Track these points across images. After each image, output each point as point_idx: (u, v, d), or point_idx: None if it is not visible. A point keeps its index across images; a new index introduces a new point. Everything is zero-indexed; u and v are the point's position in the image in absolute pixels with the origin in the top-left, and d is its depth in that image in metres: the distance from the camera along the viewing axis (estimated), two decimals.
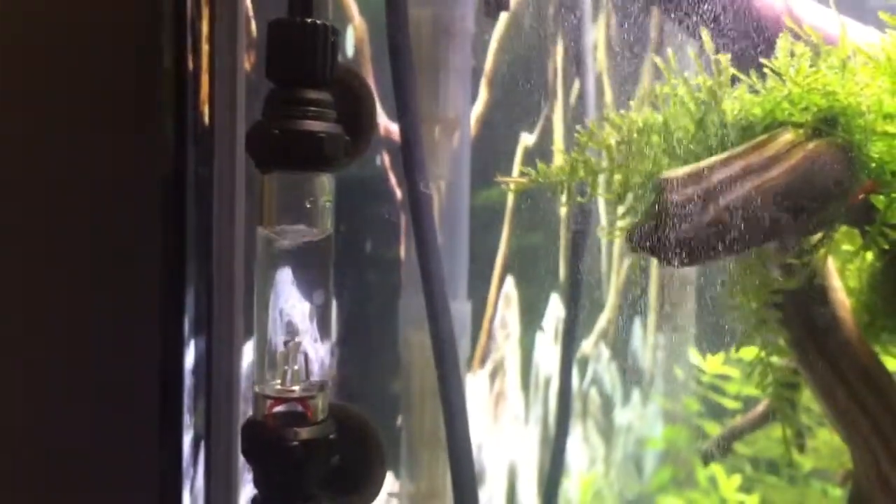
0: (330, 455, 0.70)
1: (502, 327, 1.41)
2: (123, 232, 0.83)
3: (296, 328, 0.71)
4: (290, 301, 0.71)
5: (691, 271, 1.54)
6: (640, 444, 1.95)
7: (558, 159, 0.94)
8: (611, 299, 1.86)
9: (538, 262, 1.42)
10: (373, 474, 0.74)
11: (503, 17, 1.24)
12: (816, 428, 1.46)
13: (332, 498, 0.73)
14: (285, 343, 0.69)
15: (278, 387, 0.70)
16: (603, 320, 1.88)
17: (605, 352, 1.88)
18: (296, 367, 0.70)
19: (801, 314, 1.02)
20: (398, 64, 0.81)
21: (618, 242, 1.96)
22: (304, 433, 0.69)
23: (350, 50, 1.02)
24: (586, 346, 1.82)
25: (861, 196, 0.81)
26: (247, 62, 0.82)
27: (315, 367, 0.72)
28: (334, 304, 1.05)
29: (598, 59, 1.32)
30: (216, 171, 0.81)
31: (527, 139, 1.37)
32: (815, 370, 1.03)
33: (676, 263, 0.82)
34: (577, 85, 1.24)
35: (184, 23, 0.79)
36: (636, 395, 1.98)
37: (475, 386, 1.37)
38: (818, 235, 0.92)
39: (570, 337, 1.37)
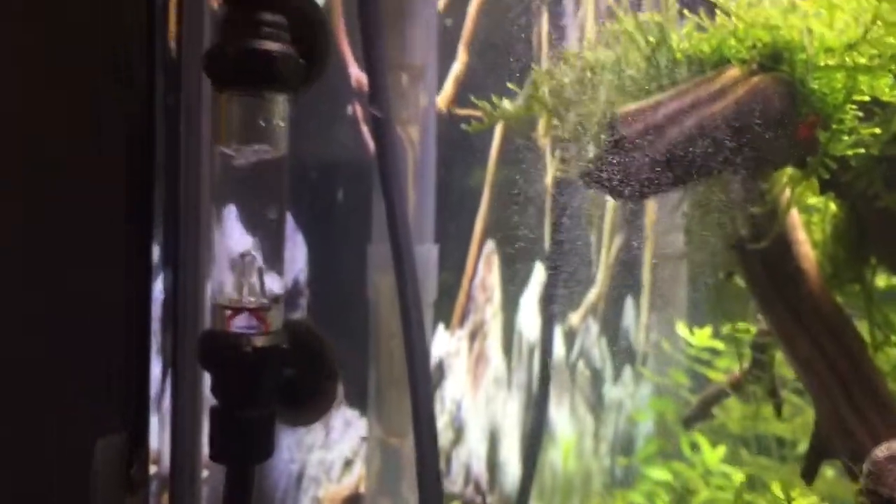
0: (282, 364, 0.73)
1: (483, 289, 1.44)
2: (92, 164, 0.86)
3: (246, 260, 0.74)
4: (241, 233, 0.74)
5: (682, 247, 1.56)
6: (628, 416, 1.97)
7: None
8: (600, 274, 1.89)
9: (522, 229, 1.45)
10: (324, 387, 0.77)
11: None
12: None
13: (286, 409, 0.77)
14: (241, 256, 0.73)
15: (234, 297, 0.73)
16: (592, 294, 1.90)
17: (594, 326, 1.90)
18: (252, 280, 0.74)
19: (766, 266, 1.04)
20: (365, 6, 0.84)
21: (609, 218, 1.99)
22: (258, 341, 0.72)
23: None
24: (574, 318, 1.84)
25: (807, 132, 0.84)
26: None
27: (270, 283, 0.75)
28: (305, 248, 1.08)
29: (585, 26, 1.34)
30: (183, 102, 0.84)
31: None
32: (779, 320, 1.06)
33: (629, 197, 0.85)
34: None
35: None
36: (624, 368, 2.00)
37: (454, 345, 1.40)
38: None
39: (551, 302, 1.39)
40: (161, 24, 0.82)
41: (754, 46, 0.83)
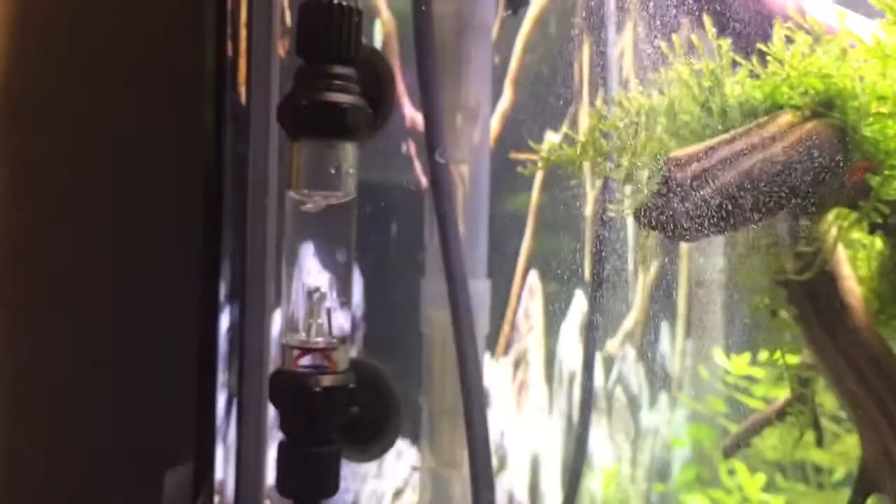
0: (350, 403, 0.76)
1: (526, 318, 1.46)
2: (165, 206, 0.90)
3: (315, 300, 0.77)
4: (311, 274, 0.77)
5: (719, 274, 1.57)
6: (665, 444, 1.97)
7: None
8: (637, 300, 1.90)
9: (563, 258, 1.47)
10: (389, 425, 0.79)
11: (528, 16, 1.30)
12: (844, 434, 1.48)
13: (351, 445, 0.79)
14: (310, 294, 0.75)
15: (303, 337, 0.76)
16: (629, 321, 1.91)
17: (631, 352, 1.91)
18: (319, 322, 0.76)
19: (812, 302, 1.05)
20: (423, 51, 0.87)
21: (645, 244, 2.00)
22: (326, 381, 0.75)
23: (378, 44, 1.08)
24: (611, 345, 1.86)
25: (857, 176, 0.85)
26: (281, 48, 0.89)
27: (337, 324, 0.77)
28: (361, 282, 1.11)
29: (624, 62, 1.37)
30: (251, 148, 0.87)
31: (553, 138, 1.42)
32: (825, 356, 1.06)
33: (681, 238, 0.87)
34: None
35: (224, 11, 0.86)
36: (661, 395, 2.01)
37: (498, 373, 1.42)
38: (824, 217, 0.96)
39: (592, 330, 1.41)
40: (231, 74, 0.85)
41: (807, 93, 0.84)
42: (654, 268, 1.93)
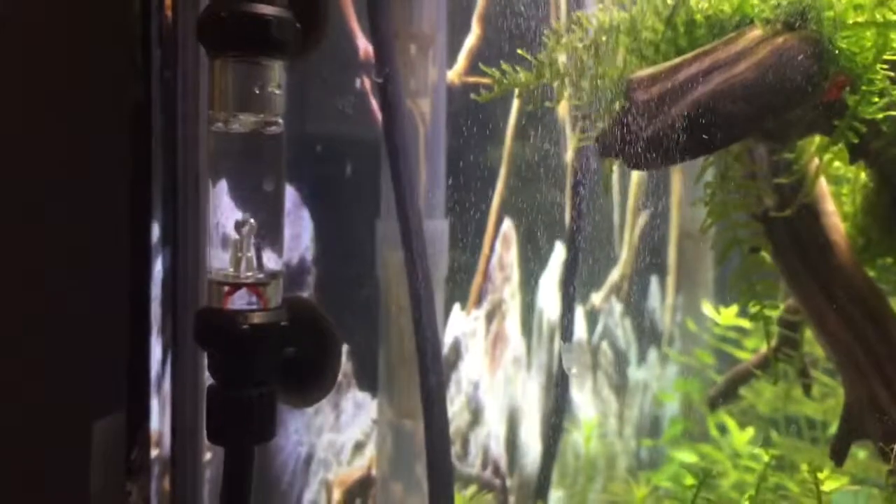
0: (282, 341, 0.71)
1: (500, 268, 1.40)
2: (90, 140, 0.84)
3: (244, 233, 0.71)
4: (225, 213, 0.71)
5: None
6: (653, 397, 1.93)
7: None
8: (624, 253, 1.84)
9: (540, 206, 1.42)
10: (327, 365, 0.74)
11: None
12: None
13: (287, 389, 0.74)
14: (238, 226, 0.70)
15: (230, 272, 0.70)
16: (615, 274, 1.86)
17: (617, 306, 1.86)
18: (249, 255, 0.71)
19: (794, 238, 1.00)
20: None
21: (632, 198, 1.95)
22: (256, 318, 0.69)
23: None
24: (596, 298, 1.81)
25: (834, 94, 0.79)
26: None
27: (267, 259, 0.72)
28: (312, 224, 1.05)
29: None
30: (179, 76, 0.81)
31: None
32: (807, 295, 1.01)
33: (646, 166, 0.81)
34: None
35: None
36: (647, 347, 1.97)
37: (469, 325, 1.37)
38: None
39: (572, 282, 1.36)
40: None
41: (778, 5, 0.78)
42: (641, 217, 1.88)
